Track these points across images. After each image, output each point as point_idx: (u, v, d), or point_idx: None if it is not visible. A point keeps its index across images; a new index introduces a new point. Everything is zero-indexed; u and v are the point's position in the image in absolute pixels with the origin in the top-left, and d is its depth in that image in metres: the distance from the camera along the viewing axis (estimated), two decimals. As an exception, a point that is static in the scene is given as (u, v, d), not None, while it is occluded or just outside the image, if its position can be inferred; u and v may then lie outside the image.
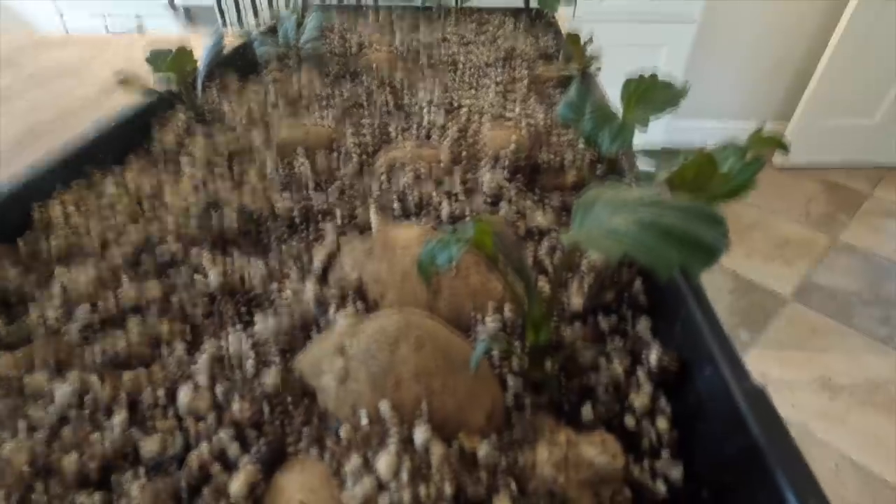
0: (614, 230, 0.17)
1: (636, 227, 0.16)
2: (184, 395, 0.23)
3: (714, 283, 1.39)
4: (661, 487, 0.21)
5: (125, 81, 0.47)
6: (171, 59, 0.46)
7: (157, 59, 0.49)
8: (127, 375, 0.24)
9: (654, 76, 0.36)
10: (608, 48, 0.63)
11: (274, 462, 0.20)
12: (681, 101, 0.35)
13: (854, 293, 1.35)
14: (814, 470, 0.17)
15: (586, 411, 0.23)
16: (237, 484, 0.19)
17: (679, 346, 0.24)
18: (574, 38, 0.53)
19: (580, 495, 0.19)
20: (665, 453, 0.22)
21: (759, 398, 0.19)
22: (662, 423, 0.23)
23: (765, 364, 1.19)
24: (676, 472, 0.21)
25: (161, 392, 0.23)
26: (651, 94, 0.36)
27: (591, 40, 0.55)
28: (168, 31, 1.54)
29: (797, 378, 1.15)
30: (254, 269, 0.31)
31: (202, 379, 0.24)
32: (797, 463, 0.17)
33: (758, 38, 1.73)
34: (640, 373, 0.25)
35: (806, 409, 1.09)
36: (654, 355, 0.24)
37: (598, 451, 0.20)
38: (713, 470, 0.20)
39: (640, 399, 0.23)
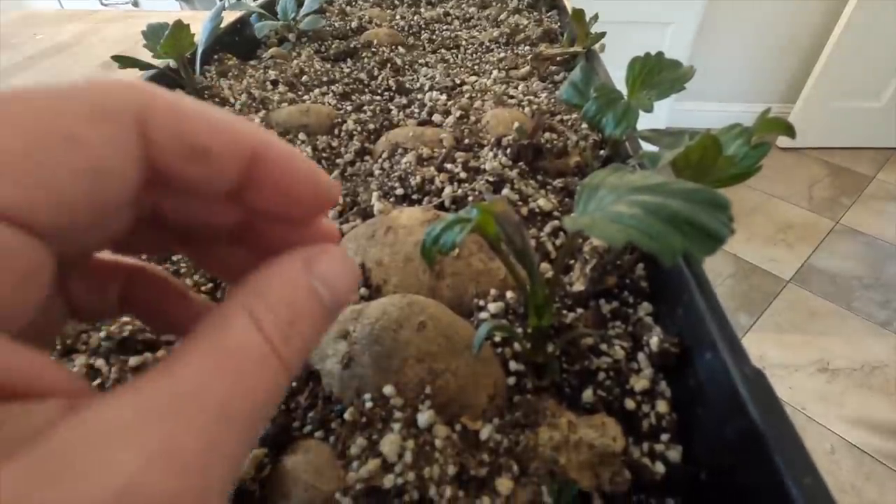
0: (618, 216, 0.17)
1: (640, 213, 0.16)
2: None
3: (715, 267, 1.40)
4: (660, 469, 0.21)
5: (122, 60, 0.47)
6: (169, 35, 0.45)
7: (154, 33, 0.47)
8: (134, 359, 0.25)
9: (660, 55, 0.35)
10: (613, 26, 0.62)
11: (280, 444, 0.21)
12: (687, 82, 0.34)
13: (855, 277, 1.36)
14: (810, 451, 0.17)
15: (587, 394, 0.23)
16: (244, 465, 0.19)
17: (680, 331, 0.25)
18: (578, 15, 0.52)
19: (580, 476, 0.20)
20: (664, 436, 0.22)
21: (759, 382, 0.19)
22: (662, 407, 0.23)
23: (764, 347, 1.20)
24: (675, 454, 0.21)
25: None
26: (657, 75, 0.35)
27: (595, 18, 0.54)
28: (164, 11, 1.51)
29: (796, 361, 1.16)
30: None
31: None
32: (795, 446, 0.17)
33: (764, 19, 1.69)
34: (641, 357, 0.25)
35: (803, 391, 1.10)
36: (655, 339, 0.24)
37: (599, 433, 0.21)
38: (712, 452, 0.20)
39: (640, 382, 0.24)
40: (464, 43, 0.63)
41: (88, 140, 0.10)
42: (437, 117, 0.45)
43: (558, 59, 0.55)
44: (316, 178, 0.13)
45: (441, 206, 0.34)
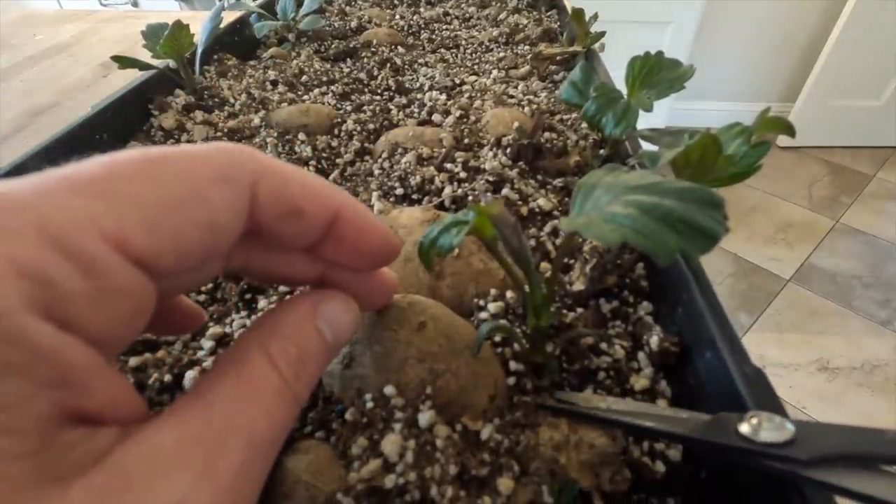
0: (613, 216, 0.17)
1: (635, 212, 0.16)
2: (190, 379, 0.23)
3: (715, 266, 1.40)
4: (660, 468, 0.21)
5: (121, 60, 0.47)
6: (168, 35, 0.45)
7: (154, 33, 0.47)
8: (134, 360, 0.25)
9: (660, 54, 0.35)
10: (613, 26, 0.62)
11: (280, 443, 0.21)
12: (686, 81, 0.34)
13: (855, 276, 1.36)
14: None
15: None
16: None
17: (680, 330, 0.25)
18: (578, 15, 0.52)
19: (581, 475, 0.20)
20: (665, 435, 0.22)
21: (759, 381, 0.19)
22: (663, 406, 0.23)
23: (764, 346, 1.20)
24: (676, 453, 0.21)
25: (168, 376, 0.24)
26: (657, 74, 0.35)
27: (595, 17, 0.54)
28: (164, 11, 1.51)
29: (796, 360, 1.16)
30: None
31: (208, 363, 0.25)
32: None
33: (764, 18, 1.69)
34: (641, 356, 0.25)
35: (803, 390, 1.11)
36: (655, 339, 0.24)
37: (599, 432, 0.21)
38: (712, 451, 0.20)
39: (640, 382, 0.24)
40: (463, 43, 0.63)
41: (211, 199, 0.12)
42: (436, 117, 0.45)
43: (558, 58, 0.55)
44: (385, 236, 0.16)
45: (441, 206, 0.34)
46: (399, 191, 0.36)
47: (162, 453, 0.10)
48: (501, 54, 0.59)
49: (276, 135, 0.44)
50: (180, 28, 0.46)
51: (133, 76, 0.48)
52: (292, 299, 0.14)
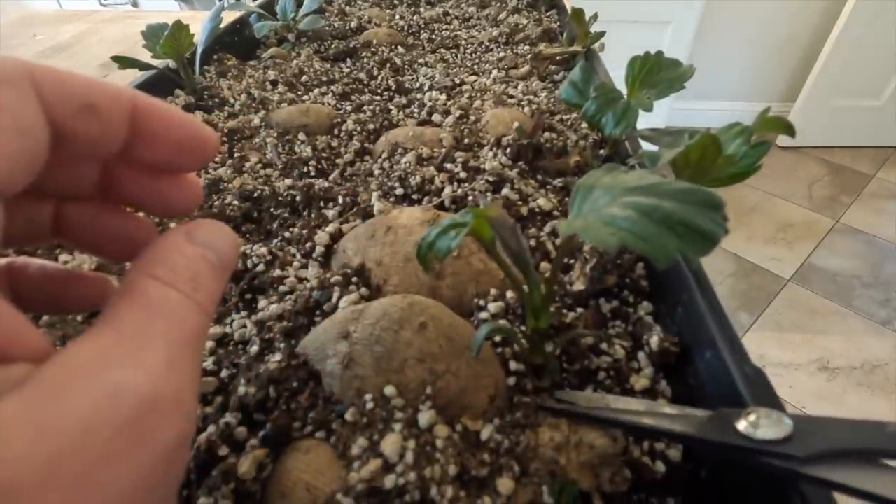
0: (611, 218, 0.17)
1: (634, 215, 0.16)
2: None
3: (715, 266, 1.40)
4: (660, 468, 0.21)
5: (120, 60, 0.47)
6: (168, 35, 0.45)
7: (154, 33, 0.47)
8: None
9: (659, 54, 0.35)
10: (613, 25, 0.62)
11: (280, 444, 0.21)
12: (686, 81, 0.34)
13: (855, 275, 1.36)
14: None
15: (588, 394, 0.23)
16: (245, 466, 0.19)
17: (680, 330, 0.25)
18: (578, 14, 0.52)
19: (581, 476, 0.20)
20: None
21: (759, 381, 0.19)
22: (662, 403, 0.23)
23: (764, 346, 1.20)
24: (676, 453, 0.21)
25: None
26: (656, 74, 0.35)
27: (595, 17, 0.54)
28: (164, 11, 1.51)
29: (796, 360, 1.16)
30: (256, 254, 0.31)
31: (208, 363, 0.25)
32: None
33: (764, 18, 1.69)
34: (641, 356, 0.25)
35: (804, 390, 1.10)
36: (655, 339, 0.24)
37: (599, 433, 0.21)
38: (712, 451, 0.20)
39: (640, 382, 0.24)
40: (463, 43, 0.63)
41: (4, 105, 0.11)
42: (436, 117, 0.45)
43: (558, 58, 0.55)
44: (193, 125, 0.15)
45: (441, 206, 0.34)
46: (399, 191, 0.36)
47: (85, 362, 0.10)
48: (501, 54, 0.59)
49: (276, 135, 0.44)
50: (180, 28, 0.46)
51: (133, 76, 0.48)
52: (163, 235, 0.14)
